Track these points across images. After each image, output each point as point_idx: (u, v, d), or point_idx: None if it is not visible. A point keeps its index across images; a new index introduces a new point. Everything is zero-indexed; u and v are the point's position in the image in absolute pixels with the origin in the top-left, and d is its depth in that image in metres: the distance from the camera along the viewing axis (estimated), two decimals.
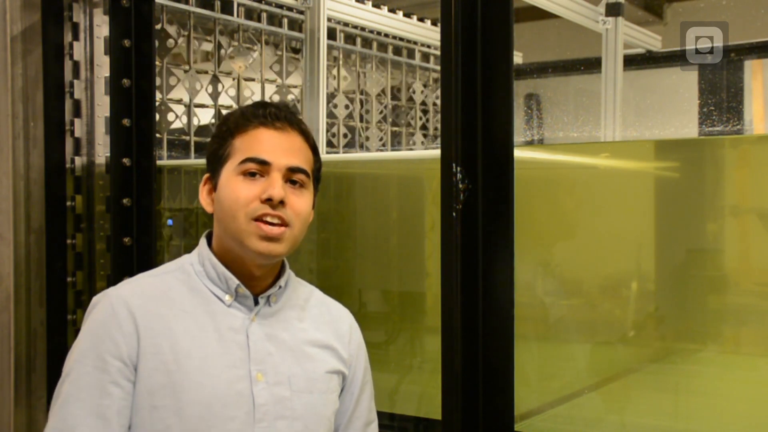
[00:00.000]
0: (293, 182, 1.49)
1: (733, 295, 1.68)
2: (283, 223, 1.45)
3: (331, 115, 3.25)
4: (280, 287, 1.53)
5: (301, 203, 1.49)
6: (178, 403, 1.40)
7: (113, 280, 2.20)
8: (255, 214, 1.44)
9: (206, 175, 1.55)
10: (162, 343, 1.43)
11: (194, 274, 1.52)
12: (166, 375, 1.41)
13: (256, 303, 1.51)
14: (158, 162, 2.26)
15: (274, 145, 1.49)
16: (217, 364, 1.44)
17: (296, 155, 1.50)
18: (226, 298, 1.49)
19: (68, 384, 1.42)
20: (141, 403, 1.41)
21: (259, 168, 1.47)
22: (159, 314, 1.45)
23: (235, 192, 1.46)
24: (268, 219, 1.45)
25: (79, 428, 1.38)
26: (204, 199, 1.54)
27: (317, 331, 1.57)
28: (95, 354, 1.42)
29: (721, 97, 3.33)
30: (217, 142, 1.53)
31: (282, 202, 1.45)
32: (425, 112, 3.82)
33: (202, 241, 1.55)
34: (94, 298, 1.50)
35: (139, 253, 2.19)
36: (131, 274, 2.16)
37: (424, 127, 3.82)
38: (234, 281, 1.49)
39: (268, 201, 1.44)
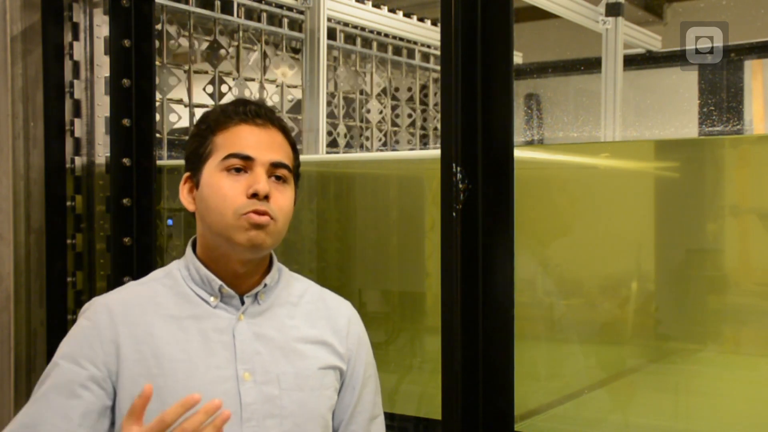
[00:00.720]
0: (276, 177, 1.50)
1: (733, 295, 1.68)
2: (269, 217, 1.46)
3: (331, 115, 3.25)
4: (266, 285, 1.53)
5: (284, 198, 1.50)
6: (162, 406, 1.40)
7: (113, 280, 2.20)
8: (243, 210, 1.44)
9: (186, 174, 1.55)
10: (144, 350, 1.44)
11: (181, 279, 1.53)
12: (149, 380, 1.42)
13: (243, 302, 1.52)
14: (158, 162, 2.26)
15: (257, 141, 1.49)
16: (202, 365, 1.45)
17: (278, 151, 1.51)
18: (211, 299, 1.50)
19: (43, 386, 1.44)
20: (126, 408, 1.41)
21: (242, 164, 1.47)
22: (142, 321, 1.46)
23: (222, 189, 1.46)
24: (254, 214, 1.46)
25: (42, 426, 1.40)
26: (185, 198, 1.54)
27: (310, 327, 1.56)
28: (71, 358, 1.44)
29: (721, 97, 3.33)
30: (197, 140, 1.54)
31: (267, 197, 1.46)
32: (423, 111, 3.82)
33: (188, 246, 1.56)
34: (84, 306, 1.53)
35: (139, 253, 2.19)
36: (131, 274, 2.16)
37: (423, 128, 3.82)
38: (216, 282, 1.50)
39: (254, 196, 1.45)
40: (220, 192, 1.46)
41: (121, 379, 1.43)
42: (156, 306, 1.49)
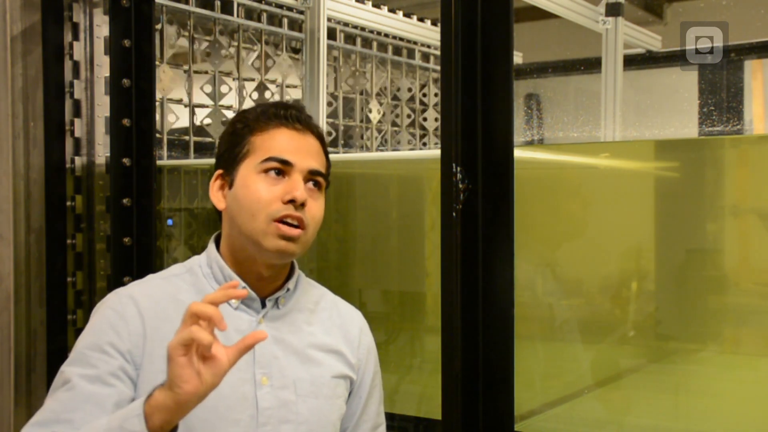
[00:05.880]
0: (312, 185, 1.49)
1: (733, 295, 1.68)
2: (301, 225, 1.45)
3: (331, 114, 3.25)
4: (288, 290, 1.53)
5: (317, 207, 1.49)
6: None
7: (113, 280, 2.19)
8: (277, 215, 1.43)
9: (218, 172, 1.53)
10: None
11: (202, 277, 1.51)
12: None
13: (264, 306, 1.51)
14: (158, 162, 2.26)
15: (296, 147, 1.48)
16: None
17: (315, 158, 1.50)
18: (233, 300, 1.48)
19: (69, 372, 1.40)
20: None
21: (281, 168, 1.46)
22: (166, 317, 1.45)
23: (258, 192, 1.45)
24: (289, 220, 1.44)
25: (75, 413, 1.36)
26: (215, 195, 1.53)
27: (326, 335, 1.56)
28: (98, 346, 1.41)
29: (721, 97, 3.32)
30: (233, 138, 1.52)
31: (303, 204, 1.45)
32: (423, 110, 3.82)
33: (211, 243, 1.55)
34: (105, 297, 1.50)
35: (139, 253, 2.19)
36: (131, 274, 2.16)
37: (423, 128, 3.82)
38: (240, 284, 1.48)
39: (291, 202, 1.43)
40: (256, 194, 1.45)
41: (143, 372, 1.41)
42: (179, 303, 1.46)
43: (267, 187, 1.45)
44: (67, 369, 1.41)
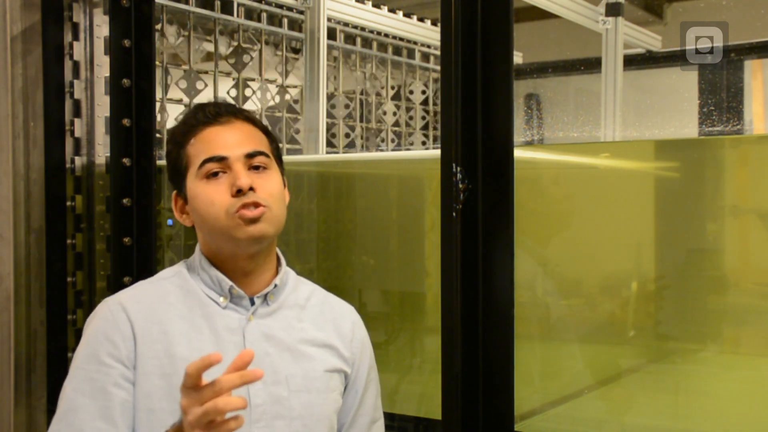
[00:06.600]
0: (256, 167, 1.50)
1: (733, 295, 1.68)
2: (261, 206, 1.47)
3: (331, 115, 3.25)
4: (275, 286, 1.54)
5: (270, 184, 1.50)
6: (174, 405, 1.40)
7: (113, 280, 2.20)
8: (233, 209, 1.45)
9: (174, 193, 1.57)
10: (158, 348, 1.45)
11: (190, 279, 1.54)
12: (163, 378, 1.43)
13: (253, 303, 1.52)
14: (158, 162, 2.26)
15: (226, 139, 1.50)
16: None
17: (249, 141, 1.52)
18: (221, 300, 1.51)
19: (71, 390, 1.43)
20: (138, 405, 1.42)
21: (219, 166, 1.48)
22: (156, 319, 1.47)
23: (208, 196, 1.47)
24: (246, 209, 1.46)
25: None
26: (180, 217, 1.57)
27: (317, 330, 1.57)
28: (96, 358, 1.44)
29: (721, 97, 3.33)
30: (171, 158, 1.56)
31: (252, 189, 1.46)
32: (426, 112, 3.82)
33: (197, 247, 1.57)
34: (96, 309, 1.53)
35: (139, 253, 2.19)
36: (131, 274, 2.16)
37: (423, 128, 3.82)
38: (227, 282, 1.50)
39: (239, 193, 1.45)
40: (207, 199, 1.48)
41: (137, 374, 1.44)
42: (168, 305, 1.49)
43: (214, 190, 1.47)
44: (69, 386, 1.44)
